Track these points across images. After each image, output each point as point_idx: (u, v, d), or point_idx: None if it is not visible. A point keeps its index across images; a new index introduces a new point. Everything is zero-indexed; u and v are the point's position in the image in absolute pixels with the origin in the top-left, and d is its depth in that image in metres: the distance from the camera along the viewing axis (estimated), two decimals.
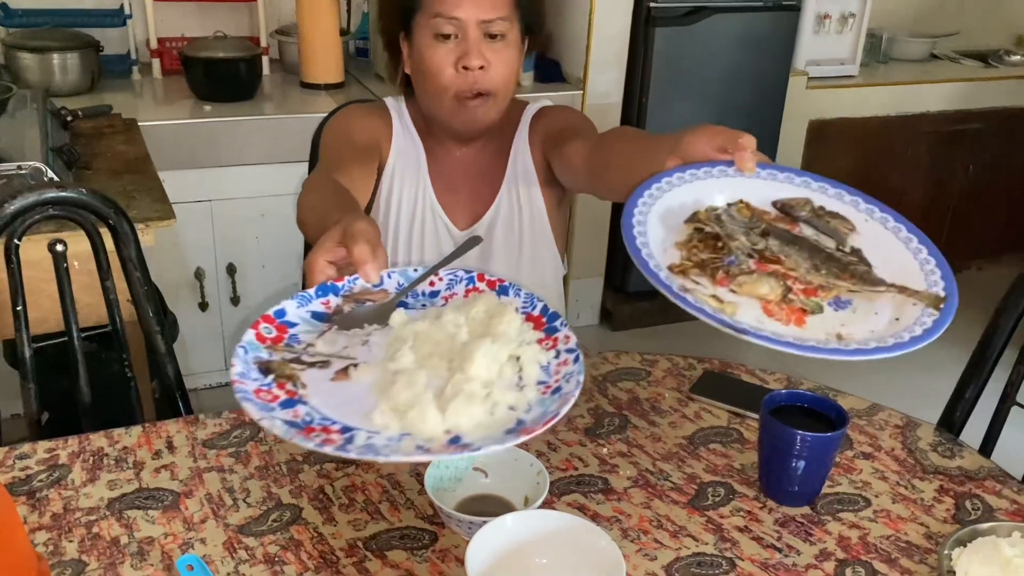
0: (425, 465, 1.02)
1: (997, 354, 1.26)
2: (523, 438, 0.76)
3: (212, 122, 2.44)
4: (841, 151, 3.33)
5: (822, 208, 0.79)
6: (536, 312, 0.93)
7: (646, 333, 3.21)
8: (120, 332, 1.28)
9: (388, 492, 1.05)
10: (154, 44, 2.72)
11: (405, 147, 1.40)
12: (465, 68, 1.25)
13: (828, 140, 3.28)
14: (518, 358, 0.86)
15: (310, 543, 0.96)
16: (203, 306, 2.59)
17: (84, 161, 1.87)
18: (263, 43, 2.79)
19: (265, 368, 0.85)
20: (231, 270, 2.58)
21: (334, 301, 0.93)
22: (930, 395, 2.80)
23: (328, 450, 0.76)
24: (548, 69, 2.92)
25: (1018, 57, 3.67)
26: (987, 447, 1.27)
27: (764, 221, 0.77)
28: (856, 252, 0.77)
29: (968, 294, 3.98)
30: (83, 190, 1.18)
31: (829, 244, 0.77)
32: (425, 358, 0.87)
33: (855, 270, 0.75)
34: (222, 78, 2.55)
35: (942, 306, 0.78)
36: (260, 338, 0.88)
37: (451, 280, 0.99)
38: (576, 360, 0.86)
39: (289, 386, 0.84)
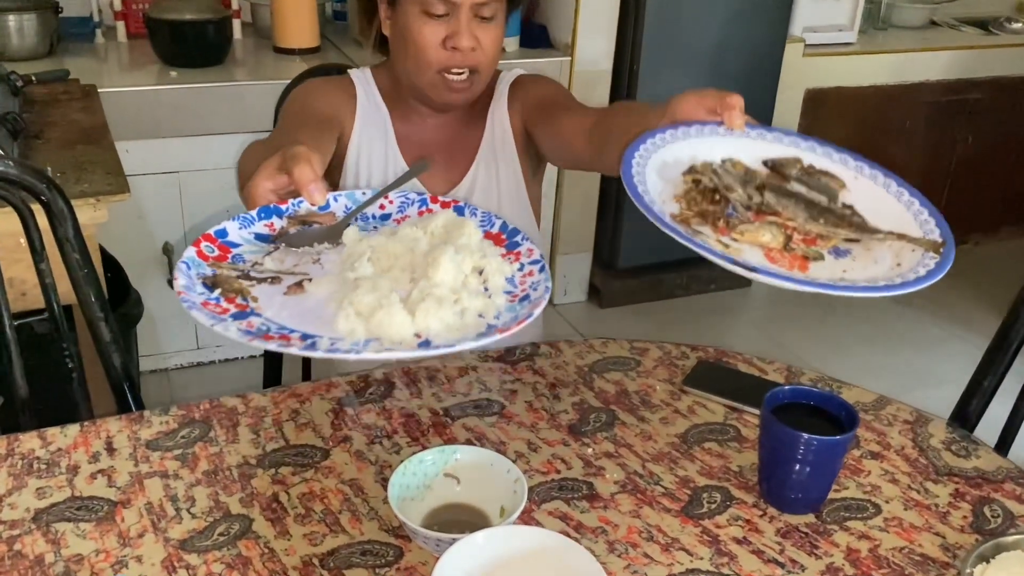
0: (391, 470, 0.92)
1: (1018, 344, 1.16)
2: (498, 336, 0.76)
3: (179, 89, 2.31)
4: (838, 121, 3.22)
5: (811, 166, 0.79)
6: (495, 230, 0.93)
7: (635, 310, 3.11)
8: (59, 319, 1.17)
9: (350, 500, 0.94)
10: (118, 6, 2.57)
11: (370, 119, 1.35)
12: (455, 48, 1.22)
13: (825, 110, 3.17)
14: (481, 271, 0.86)
15: (259, 560, 0.86)
16: (172, 282, 2.46)
17: (35, 130, 1.74)
18: (234, 5, 2.64)
19: (211, 283, 0.80)
20: None
21: (278, 223, 0.90)
22: (931, 373, 2.74)
23: (293, 350, 0.73)
24: (535, 35, 2.79)
25: (1019, 24, 3.55)
26: (1004, 444, 1.17)
27: (758, 181, 0.77)
28: (849, 207, 0.77)
29: (964, 270, 3.94)
30: (10, 163, 1.05)
31: (821, 199, 0.77)
32: (385, 270, 0.86)
33: (852, 220, 0.75)
34: (189, 42, 2.42)
35: (941, 250, 0.80)
36: (202, 255, 0.84)
37: (403, 203, 0.97)
38: (542, 270, 0.86)
39: (239, 300, 0.80)
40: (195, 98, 2.31)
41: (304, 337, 0.76)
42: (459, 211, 0.96)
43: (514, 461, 0.93)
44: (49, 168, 1.60)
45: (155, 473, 0.97)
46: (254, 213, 0.89)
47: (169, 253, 2.43)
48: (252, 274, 0.85)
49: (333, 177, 1.36)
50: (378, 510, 0.93)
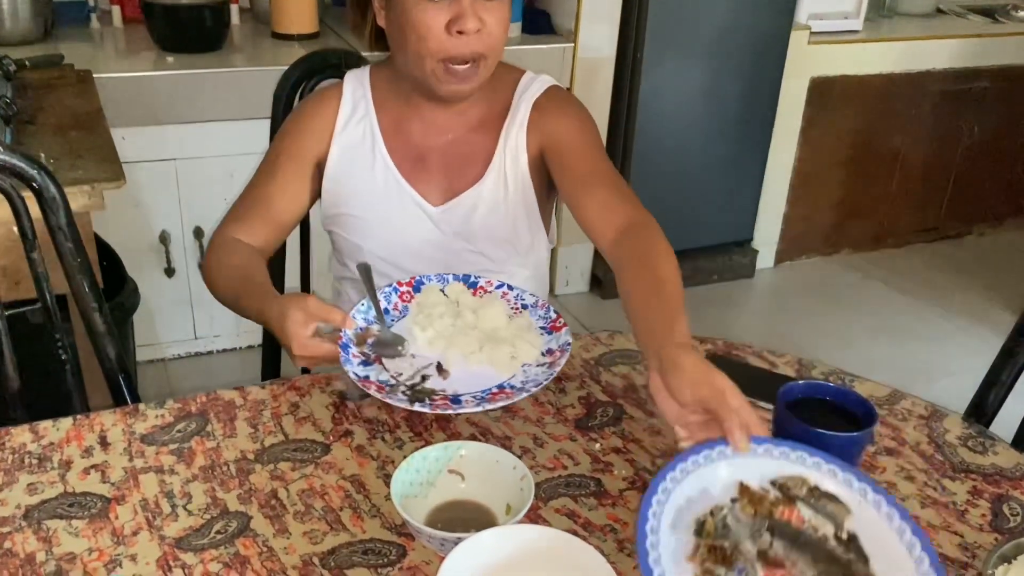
0: (394, 466, 0.89)
1: None
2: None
3: (176, 74, 2.27)
4: (843, 110, 3.19)
5: (818, 488, 0.82)
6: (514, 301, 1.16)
7: None
8: (52, 309, 1.14)
9: (351, 497, 0.92)
10: None
11: (353, 131, 1.26)
12: (460, 32, 1.12)
13: (830, 98, 3.13)
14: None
15: (258, 559, 0.83)
16: (169, 272, 2.44)
17: (27, 116, 1.70)
18: None
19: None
20: (198, 234, 2.42)
21: (357, 350, 1.04)
22: (936, 365, 2.71)
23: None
24: (537, 20, 2.75)
25: None
26: (1021, 440, 1.15)
27: (767, 511, 0.80)
28: (853, 538, 0.80)
29: (968, 261, 3.89)
30: (0, 148, 1.02)
31: (827, 528, 0.80)
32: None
33: (857, 570, 0.78)
34: (186, 27, 2.37)
35: None
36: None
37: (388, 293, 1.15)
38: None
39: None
40: (192, 84, 2.27)
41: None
42: (470, 283, 1.17)
43: (520, 457, 0.90)
44: (42, 154, 1.57)
45: (150, 468, 0.94)
46: (342, 357, 1.02)
47: (166, 242, 2.40)
48: (405, 383, 1.01)
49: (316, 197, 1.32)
50: (380, 507, 0.90)
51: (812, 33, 3.02)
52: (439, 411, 0.96)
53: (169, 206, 2.37)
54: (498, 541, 0.78)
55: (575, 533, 0.85)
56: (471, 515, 0.88)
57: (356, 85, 1.28)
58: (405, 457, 0.88)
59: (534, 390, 1.00)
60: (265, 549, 0.85)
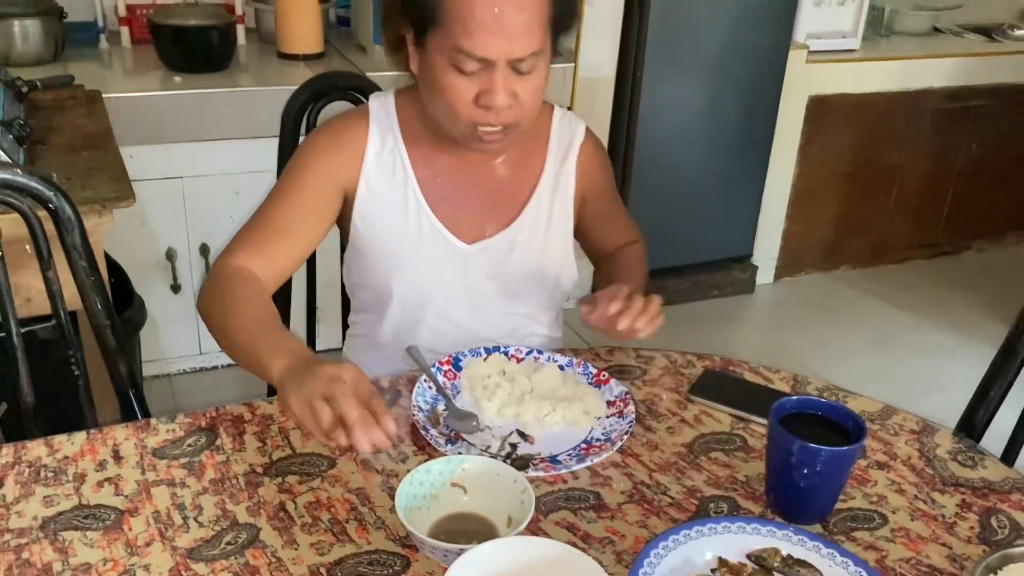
0: (398, 479, 0.91)
1: None
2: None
3: (183, 94, 2.31)
4: (841, 128, 3.22)
5: (790, 556, 0.87)
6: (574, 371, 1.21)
7: None
8: (65, 326, 1.17)
9: (356, 510, 0.94)
10: (123, 11, 2.57)
11: (384, 165, 1.23)
12: (488, 107, 1.08)
13: (828, 116, 3.17)
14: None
15: (267, 569, 0.86)
16: (175, 288, 2.47)
17: (39, 136, 1.74)
18: (238, 11, 2.65)
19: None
20: (204, 251, 2.46)
21: (436, 431, 1.06)
22: (935, 381, 2.73)
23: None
24: None
25: (1022, 32, 3.55)
26: (1010, 455, 1.17)
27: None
28: None
29: (967, 277, 3.91)
30: (18, 171, 1.06)
31: None
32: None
33: None
34: (194, 47, 2.41)
35: None
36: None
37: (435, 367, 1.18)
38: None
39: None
40: (199, 103, 2.31)
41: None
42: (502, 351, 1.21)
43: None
44: (54, 174, 1.60)
45: (162, 481, 0.97)
46: (428, 435, 1.04)
47: (172, 259, 2.43)
48: (500, 455, 1.04)
49: (344, 228, 1.29)
50: (385, 519, 0.93)
51: (810, 52, 3.06)
52: (551, 473, 1.00)
53: (176, 223, 2.41)
54: (499, 552, 0.81)
55: (575, 545, 0.87)
56: (473, 527, 0.91)
57: (382, 115, 1.23)
58: (409, 471, 0.91)
59: (625, 438, 1.05)
60: (274, 560, 0.87)
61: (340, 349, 1.53)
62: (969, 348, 2.96)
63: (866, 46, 3.24)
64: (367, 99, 1.28)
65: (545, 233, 1.27)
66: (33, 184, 1.06)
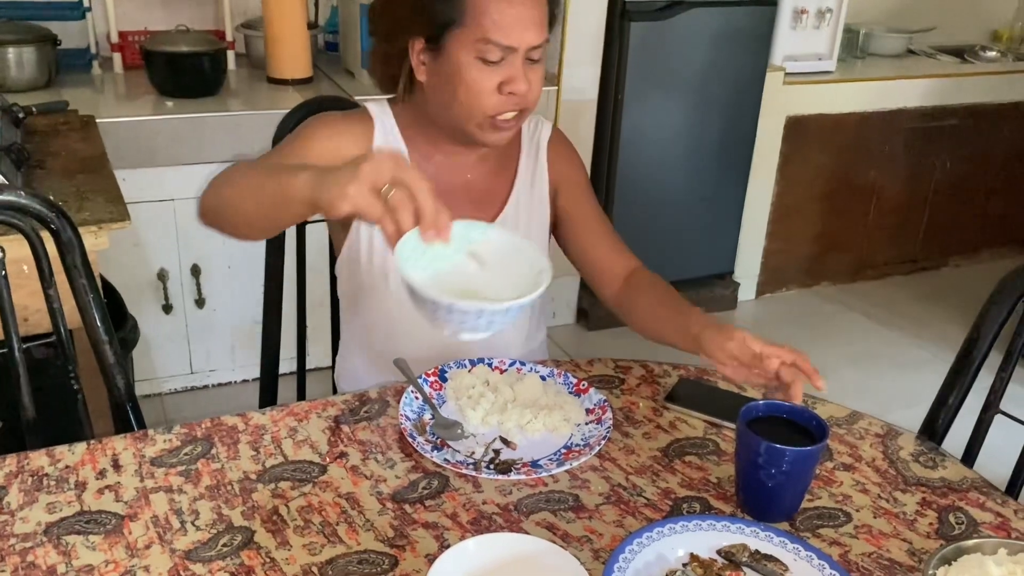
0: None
1: (980, 361, 1.22)
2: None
3: (175, 119, 2.37)
4: (818, 147, 3.31)
5: (757, 552, 0.93)
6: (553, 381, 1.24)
7: (621, 332, 3.14)
8: (66, 343, 1.21)
9: (346, 513, 0.99)
10: (115, 38, 2.64)
11: None
12: (511, 93, 1.20)
13: (805, 136, 3.26)
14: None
15: (261, 569, 0.91)
16: (167, 308, 2.51)
17: (36, 160, 1.79)
18: (228, 37, 2.72)
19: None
20: (195, 271, 2.50)
21: (423, 438, 1.10)
22: (914, 393, 2.79)
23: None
24: None
25: (994, 53, 3.66)
26: (970, 456, 1.23)
27: (716, 573, 0.90)
28: None
29: (945, 291, 3.98)
30: (22, 192, 1.11)
31: None
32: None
33: None
34: (185, 73, 2.48)
35: None
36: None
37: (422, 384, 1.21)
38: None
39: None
40: (191, 128, 2.36)
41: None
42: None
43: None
44: (51, 197, 1.65)
45: (160, 488, 1.02)
46: (416, 442, 1.09)
47: (164, 279, 2.48)
48: (484, 460, 1.08)
49: (346, 225, 1.33)
50: (374, 522, 0.98)
51: (787, 74, 3.14)
52: (532, 476, 1.05)
53: (167, 245, 2.45)
54: (482, 549, 0.86)
55: (554, 544, 0.92)
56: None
57: (382, 115, 1.32)
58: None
59: (603, 443, 1.10)
60: (268, 560, 0.92)
61: (331, 367, 1.58)
62: (947, 362, 2.97)
63: (842, 68, 3.33)
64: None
65: (527, 225, 1.37)
66: (36, 206, 1.11)
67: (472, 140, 1.27)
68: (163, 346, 2.56)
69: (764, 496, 1.00)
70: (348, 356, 1.47)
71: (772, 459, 0.97)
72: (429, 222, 0.92)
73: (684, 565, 0.91)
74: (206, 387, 2.67)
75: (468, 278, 0.93)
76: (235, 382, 2.69)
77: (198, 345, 2.61)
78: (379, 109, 1.33)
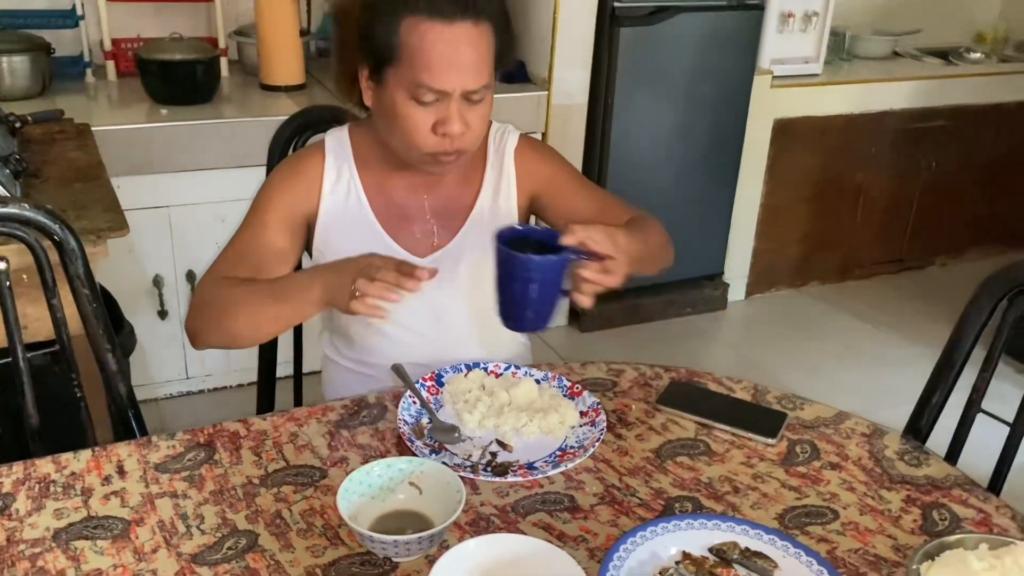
0: None
1: (963, 361, 1.26)
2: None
3: (169, 126, 2.39)
4: (806, 149, 3.34)
5: (748, 549, 0.96)
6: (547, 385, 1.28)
7: (614, 333, 3.20)
8: (68, 351, 1.24)
9: None
10: (108, 46, 2.65)
11: (340, 193, 1.32)
12: (444, 135, 1.19)
13: (793, 138, 3.29)
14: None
15: (266, 571, 0.93)
16: (162, 314, 2.53)
17: (33, 169, 1.81)
18: (221, 44, 2.74)
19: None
20: (191, 277, 2.52)
21: (421, 442, 1.14)
22: (901, 391, 2.83)
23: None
24: (513, 70, 2.89)
25: (978, 55, 3.70)
26: (953, 454, 1.26)
27: (708, 570, 0.93)
28: None
29: (931, 291, 4.03)
30: (25, 205, 1.13)
31: None
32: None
33: None
34: (179, 80, 2.49)
35: None
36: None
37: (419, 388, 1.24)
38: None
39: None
40: (186, 135, 2.38)
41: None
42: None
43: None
44: (49, 206, 1.66)
45: (165, 493, 1.04)
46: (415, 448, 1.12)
47: (159, 285, 2.50)
48: (482, 463, 1.12)
49: (311, 254, 1.37)
50: None
51: (774, 77, 3.18)
52: (528, 478, 1.08)
53: (163, 251, 2.47)
54: (482, 549, 0.88)
55: (550, 544, 0.95)
56: (413, 524, 0.99)
57: (337, 147, 1.33)
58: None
59: (597, 444, 1.13)
60: (272, 562, 0.94)
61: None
62: (933, 359, 3.02)
63: (828, 70, 3.37)
64: None
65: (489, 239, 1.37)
66: (40, 218, 1.13)
67: (417, 169, 1.29)
68: (159, 352, 2.58)
69: (519, 306, 1.10)
70: (331, 371, 1.49)
71: (519, 270, 1.07)
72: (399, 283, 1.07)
73: (677, 563, 0.94)
74: (202, 392, 2.69)
75: (405, 502, 1.02)
76: (230, 387, 2.71)
77: (194, 351, 2.62)
78: (336, 138, 1.35)
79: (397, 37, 1.16)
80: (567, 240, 1.08)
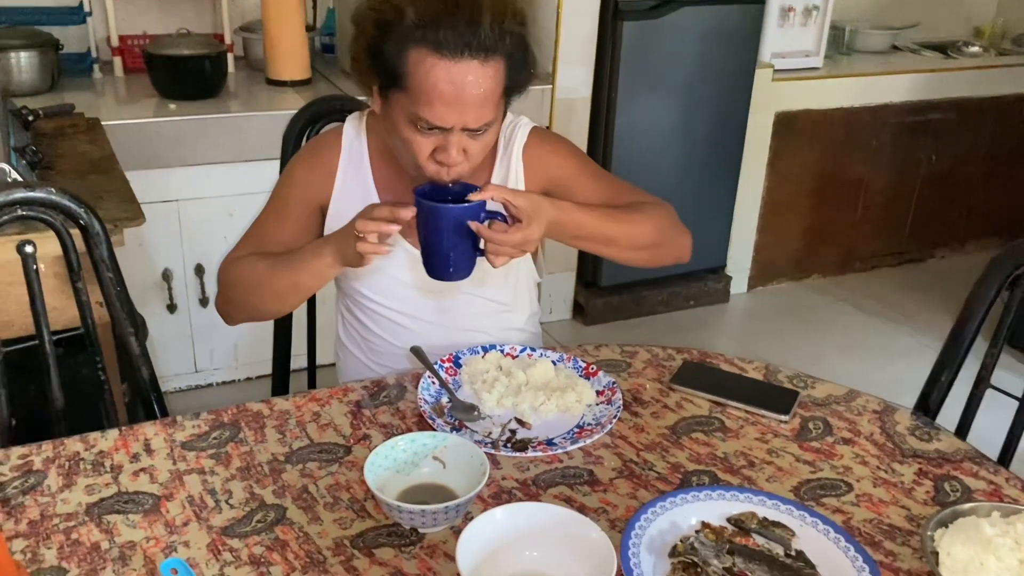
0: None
1: (971, 339, 1.28)
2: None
3: (177, 121, 2.40)
4: (807, 142, 3.37)
5: (766, 519, 0.98)
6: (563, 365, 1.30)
7: (618, 326, 3.22)
8: (93, 334, 1.26)
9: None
10: (115, 42, 2.67)
11: (351, 181, 1.33)
12: (441, 163, 1.18)
13: (794, 132, 3.32)
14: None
15: (296, 543, 0.95)
16: (171, 308, 2.55)
17: (47, 162, 1.83)
18: (227, 40, 2.76)
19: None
20: (199, 271, 2.54)
21: (441, 420, 1.16)
22: (903, 381, 2.86)
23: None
24: None
25: (976, 48, 3.73)
26: (963, 430, 1.28)
27: (727, 539, 0.95)
28: (801, 554, 0.95)
29: (932, 283, 4.05)
30: (52, 189, 1.15)
31: (778, 549, 0.96)
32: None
33: (806, 574, 0.93)
34: (187, 76, 2.51)
35: None
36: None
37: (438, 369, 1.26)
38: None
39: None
40: (193, 130, 2.40)
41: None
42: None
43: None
44: None
45: (192, 470, 1.06)
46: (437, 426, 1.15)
47: (168, 279, 2.51)
48: (502, 440, 1.14)
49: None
50: None
51: (775, 71, 3.21)
52: (548, 453, 1.10)
53: (171, 245, 2.49)
54: (508, 517, 0.91)
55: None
56: (437, 497, 1.01)
57: (353, 135, 1.34)
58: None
59: (614, 421, 1.16)
60: (301, 535, 0.96)
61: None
62: (934, 350, 3.06)
63: (828, 64, 3.40)
64: None
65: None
66: (66, 202, 1.15)
67: None
68: (168, 345, 2.60)
69: (429, 253, 1.16)
70: (344, 354, 1.50)
71: (432, 217, 1.12)
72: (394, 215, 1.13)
73: (697, 532, 0.96)
74: (210, 385, 2.71)
75: (430, 475, 1.05)
76: (239, 380, 2.72)
77: (202, 344, 2.65)
78: (354, 125, 1.35)
79: (404, 66, 1.13)
80: (478, 195, 1.13)
